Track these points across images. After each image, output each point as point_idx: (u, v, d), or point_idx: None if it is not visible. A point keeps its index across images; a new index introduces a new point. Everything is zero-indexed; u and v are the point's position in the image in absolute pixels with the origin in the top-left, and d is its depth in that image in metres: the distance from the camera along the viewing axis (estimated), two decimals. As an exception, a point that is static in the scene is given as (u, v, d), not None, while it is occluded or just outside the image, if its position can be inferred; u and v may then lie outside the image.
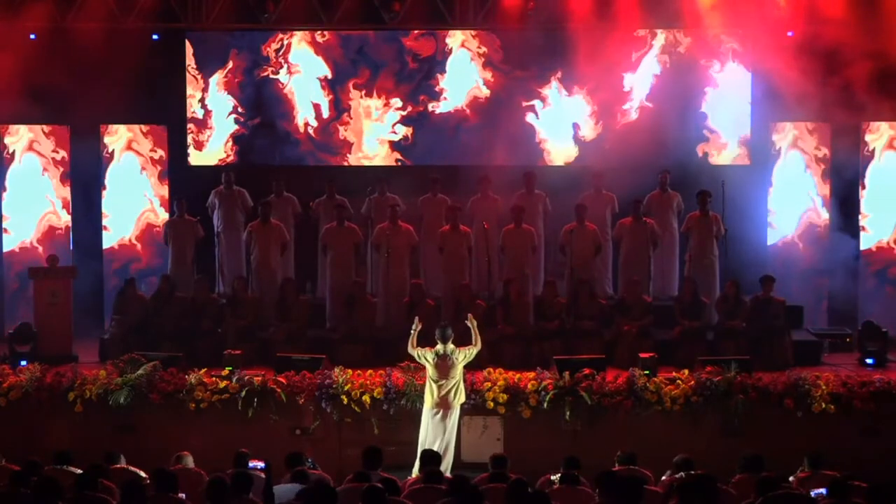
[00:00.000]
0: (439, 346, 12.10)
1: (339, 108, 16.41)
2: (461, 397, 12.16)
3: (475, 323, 12.28)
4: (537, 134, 16.37)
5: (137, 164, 16.54)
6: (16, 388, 12.91)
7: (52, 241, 16.35)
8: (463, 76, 16.35)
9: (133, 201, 16.56)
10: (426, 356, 12.09)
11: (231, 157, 16.50)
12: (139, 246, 16.56)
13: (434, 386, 12.04)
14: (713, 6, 15.31)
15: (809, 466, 10.09)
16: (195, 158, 16.50)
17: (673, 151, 16.07)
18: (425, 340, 12.30)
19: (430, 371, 12.08)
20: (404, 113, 16.38)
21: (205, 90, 16.39)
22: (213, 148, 16.49)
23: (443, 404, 12.01)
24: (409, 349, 12.21)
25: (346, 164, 16.48)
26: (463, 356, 12.11)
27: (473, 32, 16.21)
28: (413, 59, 16.35)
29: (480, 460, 11.26)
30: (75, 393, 12.82)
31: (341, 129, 16.43)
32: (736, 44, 16.11)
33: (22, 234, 16.39)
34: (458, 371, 12.09)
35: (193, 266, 15.50)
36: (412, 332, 12.19)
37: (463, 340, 12.27)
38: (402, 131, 16.44)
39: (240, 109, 16.44)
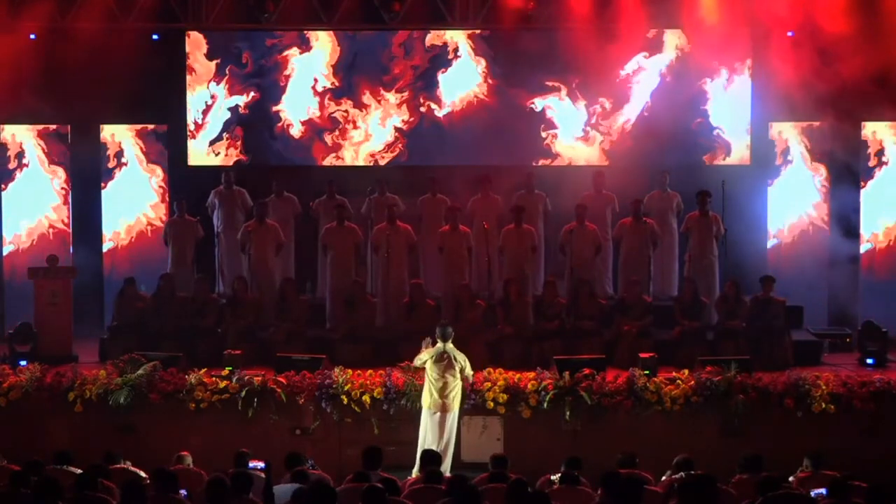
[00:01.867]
0: (440, 345, 12.11)
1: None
2: (460, 398, 12.16)
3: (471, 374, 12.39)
4: (538, 134, 16.35)
5: (137, 163, 16.55)
6: (16, 388, 12.90)
7: (53, 241, 16.36)
8: (463, 76, 16.33)
9: (133, 201, 16.56)
10: (427, 356, 12.10)
11: (231, 157, 16.48)
12: (139, 246, 16.58)
13: (434, 386, 12.04)
14: (714, 6, 15.30)
15: (809, 466, 10.11)
16: (195, 158, 16.48)
17: (673, 151, 16.07)
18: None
19: (429, 371, 12.08)
20: (401, 121, 16.35)
21: (206, 88, 16.39)
22: (213, 148, 16.49)
23: (442, 405, 12.02)
24: (416, 363, 12.22)
25: (344, 163, 16.49)
26: (462, 359, 12.14)
27: (474, 32, 16.22)
28: (411, 68, 16.31)
29: (480, 460, 11.27)
30: (75, 393, 12.81)
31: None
32: (736, 44, 16.09)
33: (22, 233, 16.40)
34: (458, 374, 12.11)
35: (193, 266, 15.51)
36: (423, 347, 12.19)
37: (460, 346, 12.34)
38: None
39: (240, 109, 16.42)
